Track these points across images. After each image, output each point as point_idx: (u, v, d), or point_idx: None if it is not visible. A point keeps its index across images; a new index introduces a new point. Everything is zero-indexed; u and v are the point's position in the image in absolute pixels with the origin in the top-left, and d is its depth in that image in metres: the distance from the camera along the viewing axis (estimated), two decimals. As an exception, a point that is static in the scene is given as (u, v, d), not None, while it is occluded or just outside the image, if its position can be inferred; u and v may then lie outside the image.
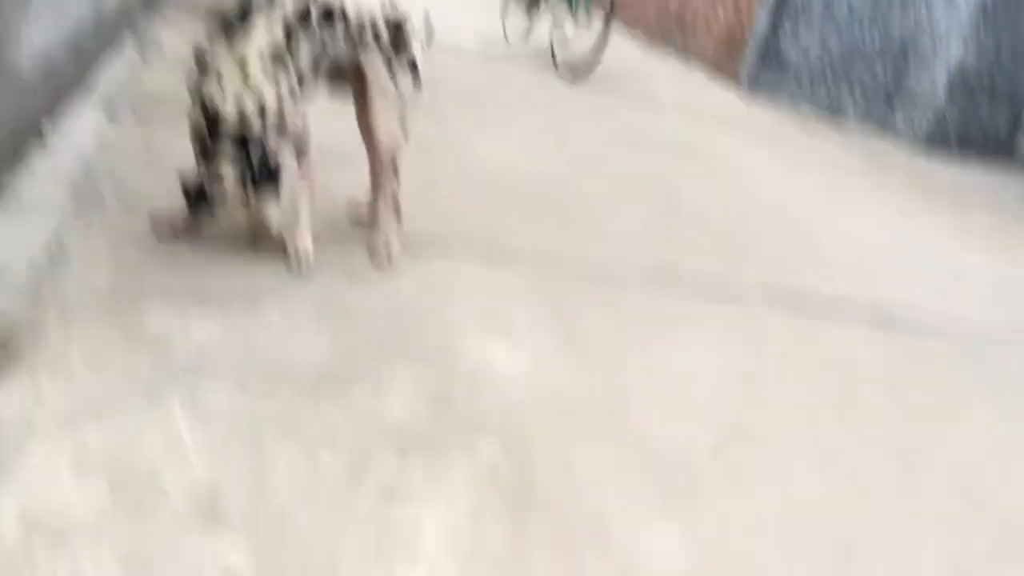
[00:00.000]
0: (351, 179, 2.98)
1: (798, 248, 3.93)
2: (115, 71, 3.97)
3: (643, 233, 3.64)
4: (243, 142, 2.35)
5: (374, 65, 2.62)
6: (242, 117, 2.33)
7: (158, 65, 4.24)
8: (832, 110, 7.39)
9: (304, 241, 2.54)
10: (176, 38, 4.57)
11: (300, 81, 2.45)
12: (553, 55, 6.30)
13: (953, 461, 2.48)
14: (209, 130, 2.37)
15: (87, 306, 2.20)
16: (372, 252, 2.72)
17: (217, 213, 2.48)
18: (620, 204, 3.88)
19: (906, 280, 3.86)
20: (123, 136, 3.24)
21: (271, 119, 2.35)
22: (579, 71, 6.10)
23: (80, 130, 3.18)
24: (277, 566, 1.60)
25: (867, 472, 2.32)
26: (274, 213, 2.40)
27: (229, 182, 2.38)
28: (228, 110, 2.33)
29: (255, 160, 2.33)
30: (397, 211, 2.81)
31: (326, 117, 2.71)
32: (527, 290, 2.88)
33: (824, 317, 3.26)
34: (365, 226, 2.90)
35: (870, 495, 2.23)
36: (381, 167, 2.76)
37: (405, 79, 2.68)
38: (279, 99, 2.36)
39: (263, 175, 2.35)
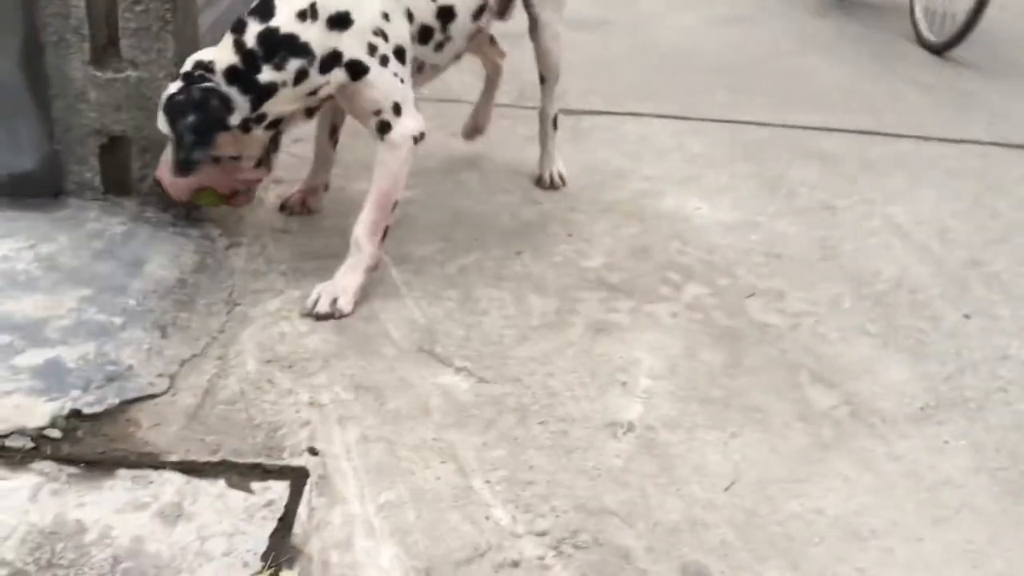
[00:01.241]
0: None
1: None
2: None
3: (851, 91, 3.37)
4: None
5: None
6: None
7: None
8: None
9: None
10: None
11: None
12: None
13: None
14: None
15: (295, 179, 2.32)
16: (540, 180, 2.45)
17: None
18: (825, 70, 3.60)
19: None
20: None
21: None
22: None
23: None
24: (496, 392, 1.63)
25: None
26: None
27: None
28: None
29: None
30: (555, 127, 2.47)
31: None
32: (724, 147, 2.75)
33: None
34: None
35: None
36: (547, 81, 2.52)
37: None
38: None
39: None
